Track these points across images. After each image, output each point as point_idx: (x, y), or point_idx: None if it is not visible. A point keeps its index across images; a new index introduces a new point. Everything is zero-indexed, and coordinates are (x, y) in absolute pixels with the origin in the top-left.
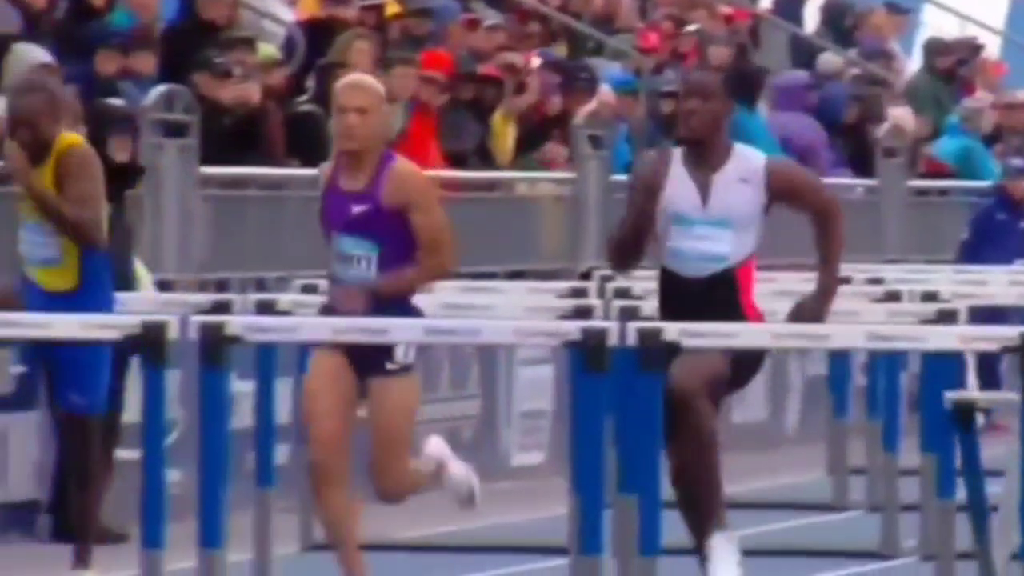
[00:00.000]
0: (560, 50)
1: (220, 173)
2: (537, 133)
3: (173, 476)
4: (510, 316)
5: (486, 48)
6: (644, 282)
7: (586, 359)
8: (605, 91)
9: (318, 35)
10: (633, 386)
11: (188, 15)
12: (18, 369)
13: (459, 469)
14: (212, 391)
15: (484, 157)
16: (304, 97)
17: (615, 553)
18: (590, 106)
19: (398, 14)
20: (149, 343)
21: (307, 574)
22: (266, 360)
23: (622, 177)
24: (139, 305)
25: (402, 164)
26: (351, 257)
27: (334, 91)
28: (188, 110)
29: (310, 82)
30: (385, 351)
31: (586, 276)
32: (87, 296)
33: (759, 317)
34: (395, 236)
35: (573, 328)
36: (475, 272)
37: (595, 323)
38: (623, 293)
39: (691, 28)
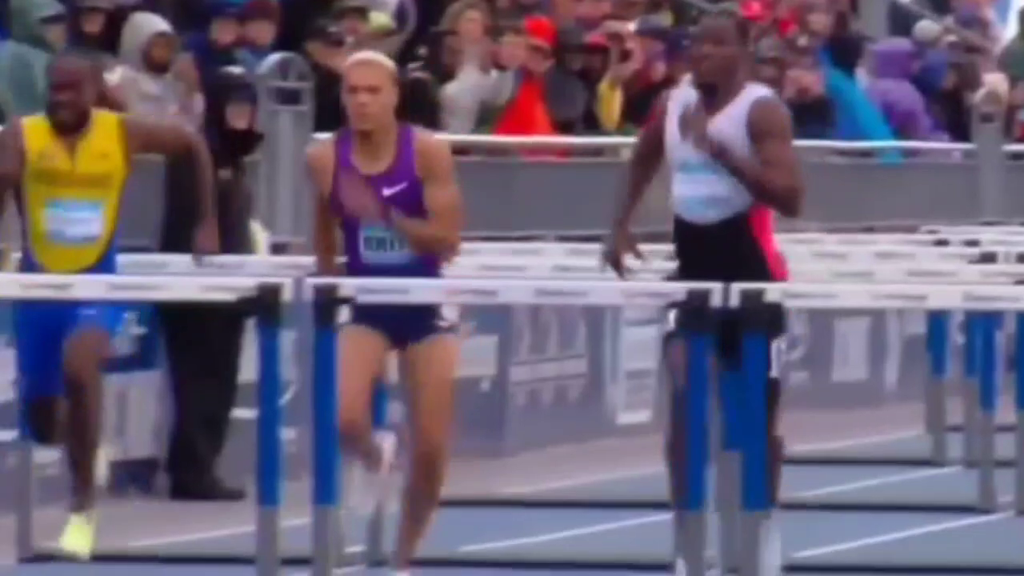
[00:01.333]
0: (665, 18)
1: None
2: (642, 99)
3: (288, 434)
4: (616, 277)
5: (592, 16)
6: None
7: (690, 320)
8: None
9: (429, 3)
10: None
11: None
12: (138, 330)
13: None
14: (325, 351)
15: (591, 123)
16: (416, 65)
17: (718, 508)
18: None
19: None
20: (264, 305)
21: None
22: None
23: None
24: (254, 268)
25: (424, 136)
26: (384, 240)
27: (344, 70)
28: (302, 78)
29: (422, 50)
30: (430, 314)
31: None
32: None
33: (780, 264)
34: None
35: (677, 289)
36: (583, 235)
37: (699, 284)
38: None
39: None
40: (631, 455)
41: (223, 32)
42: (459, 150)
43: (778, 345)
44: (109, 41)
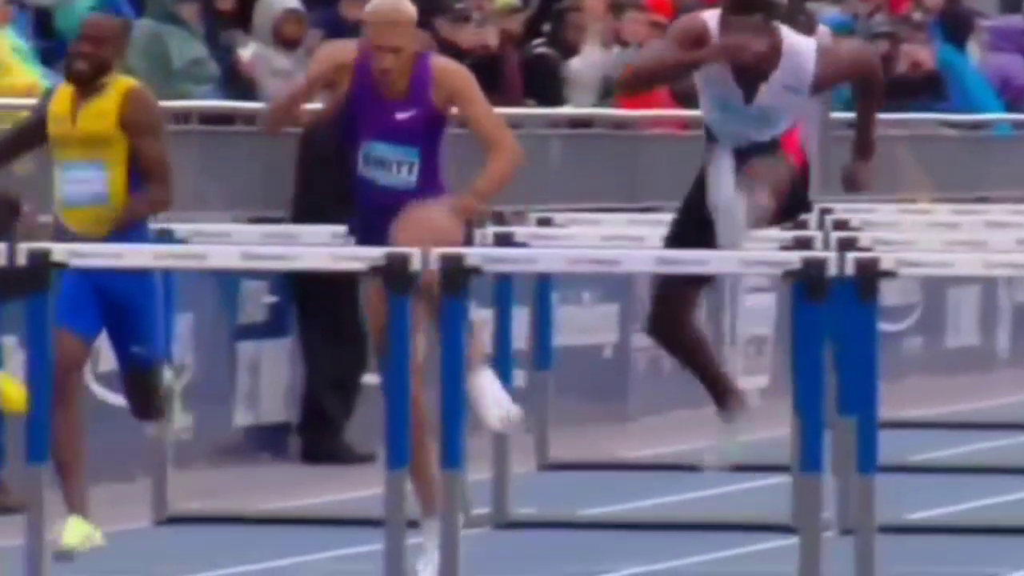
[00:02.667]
0: None
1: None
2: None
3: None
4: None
5: None
6: (862, 214)
7: (806, 288)
8: (823, 31)
9: None
10: (851, 313)
11: None
12: (271, 299)
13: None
14: (453, 320)
15: None
16: (540, 41)
17: (834, 471)
18: None
19: None
20: (393, 274)
21: (543, 490)
22: (504, 289)
23: (841, 115)
24: None
25: (439, 60)
26: (388, 163)
27: (366, 20)
28: None
29: (546, 26)
30: None
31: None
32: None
33: (801, 153)
34: (435, 141)
35: (794, 258)
36: None
37: (815, 253)
38: (842, 225)
39: None
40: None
41: (351, 8)
42: (582, 123)
43: None
44: (242, 18)
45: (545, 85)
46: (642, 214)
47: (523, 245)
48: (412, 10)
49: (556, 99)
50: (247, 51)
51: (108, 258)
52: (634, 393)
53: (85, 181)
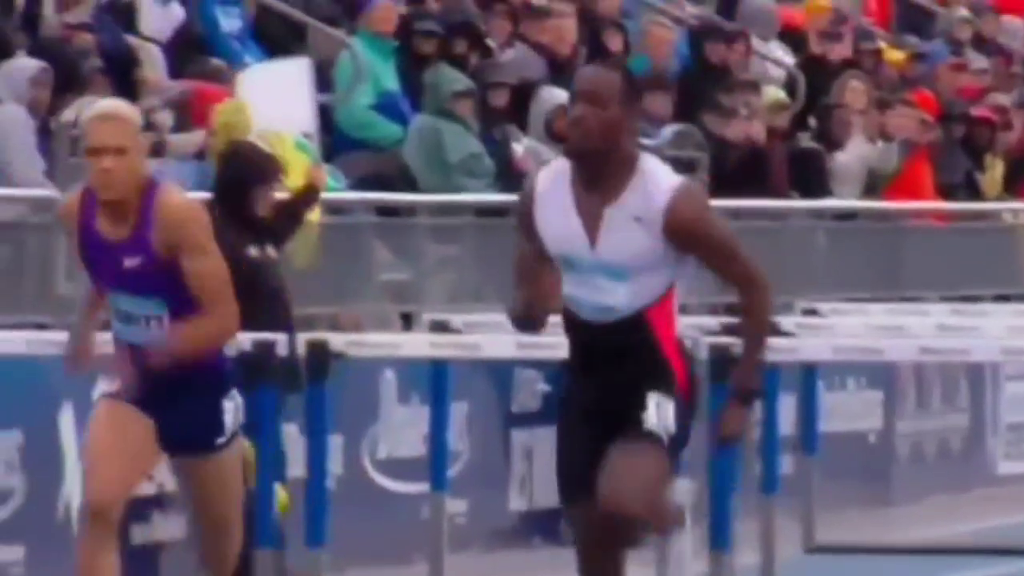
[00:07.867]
0: None
1: (727, 205)
2: (1020, 168)
3: (684, 486)
4: (997, 336)
5: (973, 89)
6: None
7: None
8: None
9: (817, 73)
10: None
11: (698, 60)
12: (545, 387)
13: None
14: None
15: (972, 189)
16: (806, 134)
17: None
18: None
19: (896, 59)
20: None
21: (809, 573)
22: (772, 378)
23: None
24: None
25: (166, 196)
26: (136, 317)
27: (83, 126)
28: (699, 147)
29: (812, 120)
30: (212, 428)
31: None
32: None
33: (680, 356)
34: (179, 286)
35: None
36: (964, 295)
37: None
38: None
39: None
40: (1011, 503)
41: None
42: (847, 215)
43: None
44: (514, 113)
45: (810, 178)
46: (905, 304)
47: (790, 335)
48: (134, 112)
49: (821, 191)
50: (520, 146)
51: (386, 348)
52: (897, 478)
53: None
